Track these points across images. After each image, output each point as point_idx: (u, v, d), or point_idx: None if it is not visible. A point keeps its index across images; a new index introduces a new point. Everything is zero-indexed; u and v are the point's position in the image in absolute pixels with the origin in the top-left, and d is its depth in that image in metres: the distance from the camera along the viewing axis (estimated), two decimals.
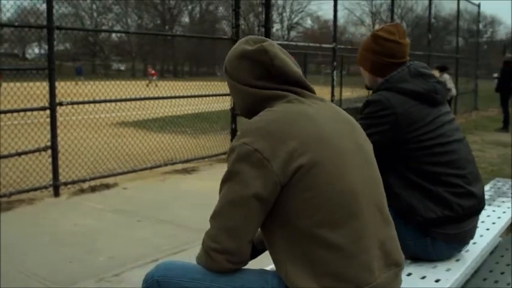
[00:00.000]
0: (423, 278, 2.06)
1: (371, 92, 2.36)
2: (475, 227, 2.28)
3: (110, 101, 6.47)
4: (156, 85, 23.97)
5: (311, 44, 10.08)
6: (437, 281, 2.03)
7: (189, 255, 4.02)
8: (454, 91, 12.75)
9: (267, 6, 7.36)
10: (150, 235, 4.45)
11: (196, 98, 8.00)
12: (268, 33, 7.45)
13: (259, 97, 1.54)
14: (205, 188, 6.07)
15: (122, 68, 48.42)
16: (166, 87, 8.86)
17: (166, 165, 6.95)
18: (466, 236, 2.24)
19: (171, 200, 5.59)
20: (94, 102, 6.29)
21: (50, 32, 5.36)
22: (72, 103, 5.77)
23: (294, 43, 11.57)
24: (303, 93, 1.55)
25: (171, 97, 7.63)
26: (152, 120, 11.09)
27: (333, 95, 9.27)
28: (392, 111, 2.12)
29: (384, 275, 1.46)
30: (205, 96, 7.84)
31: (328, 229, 1.38)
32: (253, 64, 1.55)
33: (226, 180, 1.44)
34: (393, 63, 2.27)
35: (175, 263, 1.58)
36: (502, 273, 2.66)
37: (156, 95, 8.37)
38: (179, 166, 7.19)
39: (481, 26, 21.36)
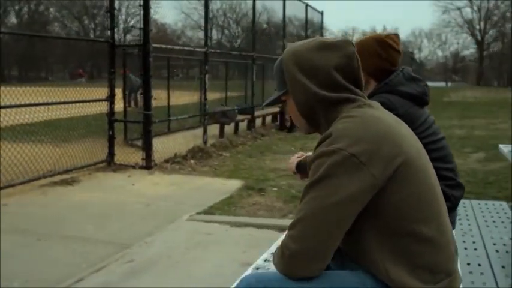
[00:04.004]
0: None
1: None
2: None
3: None
4: None
5: (186, 48, 9.97)
6: None
7: (113, 270, 3.78)
8: None
9: (145, 8, 7.16)
10: (59, 254, 4.08)
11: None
12: (146, 36, 7.23)
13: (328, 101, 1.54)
14: (95, 198, 5.72)
15: None
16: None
17: (45, 177, 6.40)
18: (454, 222, 2.45)
19: (65, 214, 5.17)
20: None
21: None
22: None
23: (171, 46, 11.35)
24: (363, 96, 1.59)
25: (55, 103, 6.98)
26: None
27: (205, 98, 9.30)
28: (396, 113, 2.22)
29: (458, 262, 1.56)
30: (81, 102, 7.35)
31: (423, 224, 1.45)
32: None
33: (317, 184, 1.41)
34: (392, 71, 2.40)
35: (266, 275, 1.51)
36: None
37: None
38: (57, 178, 6.66)
39: (309, 31, 22.61)
